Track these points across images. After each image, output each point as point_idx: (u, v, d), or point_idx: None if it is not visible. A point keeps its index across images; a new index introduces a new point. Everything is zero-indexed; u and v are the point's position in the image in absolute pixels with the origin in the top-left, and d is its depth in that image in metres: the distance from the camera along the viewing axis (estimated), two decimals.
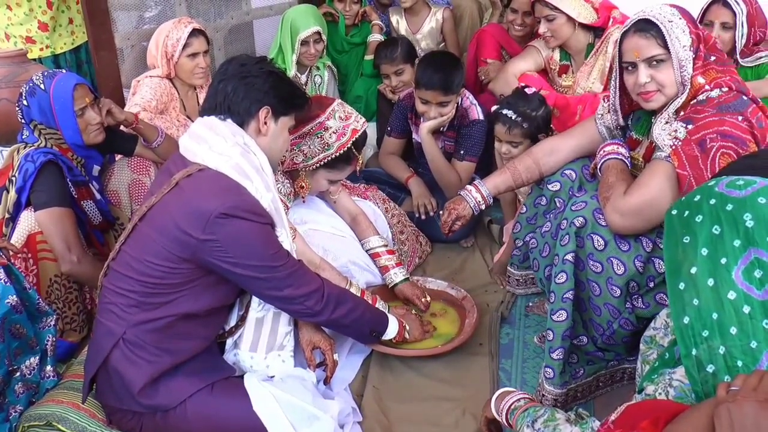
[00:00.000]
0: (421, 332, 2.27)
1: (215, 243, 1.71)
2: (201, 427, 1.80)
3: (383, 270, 2.50)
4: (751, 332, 1.16)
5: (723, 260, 1.20)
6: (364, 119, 2.42)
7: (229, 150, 1.80)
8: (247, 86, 1.87)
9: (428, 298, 2.45)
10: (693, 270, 1.24)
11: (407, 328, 2.21)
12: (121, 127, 2.59)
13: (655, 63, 1.88)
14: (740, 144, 1.75)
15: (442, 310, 2.46)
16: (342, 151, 2.33)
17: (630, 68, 1.94)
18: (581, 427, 1.41)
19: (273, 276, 1.79)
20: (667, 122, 1.85)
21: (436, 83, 2.78)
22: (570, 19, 2.93)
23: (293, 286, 1.83)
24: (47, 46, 3.58)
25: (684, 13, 1.90)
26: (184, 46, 2.94)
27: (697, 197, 1.29)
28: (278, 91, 1.91)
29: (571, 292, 1.91)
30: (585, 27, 2.98)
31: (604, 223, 1.89)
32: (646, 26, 1.88)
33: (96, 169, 2.51)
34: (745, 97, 1.83)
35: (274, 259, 1.79)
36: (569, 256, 1.90)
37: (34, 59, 3.46)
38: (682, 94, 1.86)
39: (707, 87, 1.85)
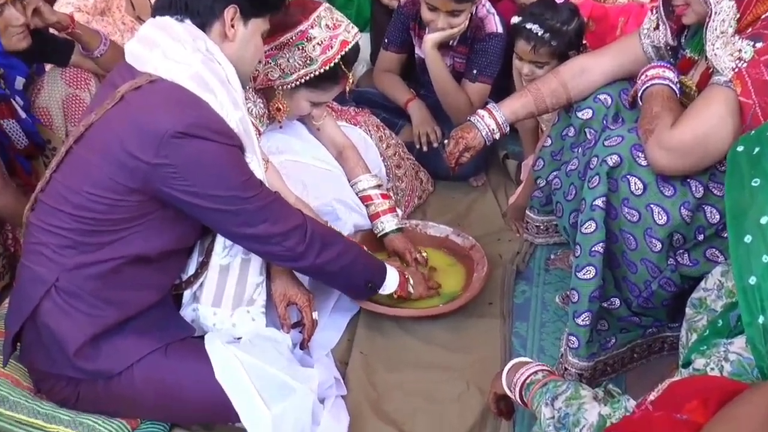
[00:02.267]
0: (426, 288, 2.27)
1: (170, 168, 1.68)
2: (151, 397, 1.81)
3: (373, 217, 2.49)
4: None
5: None
6: (356, 29, 2.38)
7: (188, 57, 1.75)
8: None
9: (424, 254, 2.44)
10: (763, 220, 1.24)
11: (410, 281, 2.21)
12: (53, 31, 2.53)
13: None
14: None
15: (445, 264, 2.45)
16: (328, 67, 2.28)
17: None
18: (612, 407, 1.41)
19: (243, 208, 1.77)
20: (724, 42, 1.80)
21: None
22: None
23: (269, 221, 1.81)
24: None
25: None
26: None
27: None
28: None
29: (600, 244, 1.91)
30: None
31: (644, 162, 1.87)
32: None
33: (20, 81, 2.46)
34: None
35: (244, 188, 1.76)
36: (599, 202, 1.89)
37: None
38: (718, 13, 1.79)
39: None
